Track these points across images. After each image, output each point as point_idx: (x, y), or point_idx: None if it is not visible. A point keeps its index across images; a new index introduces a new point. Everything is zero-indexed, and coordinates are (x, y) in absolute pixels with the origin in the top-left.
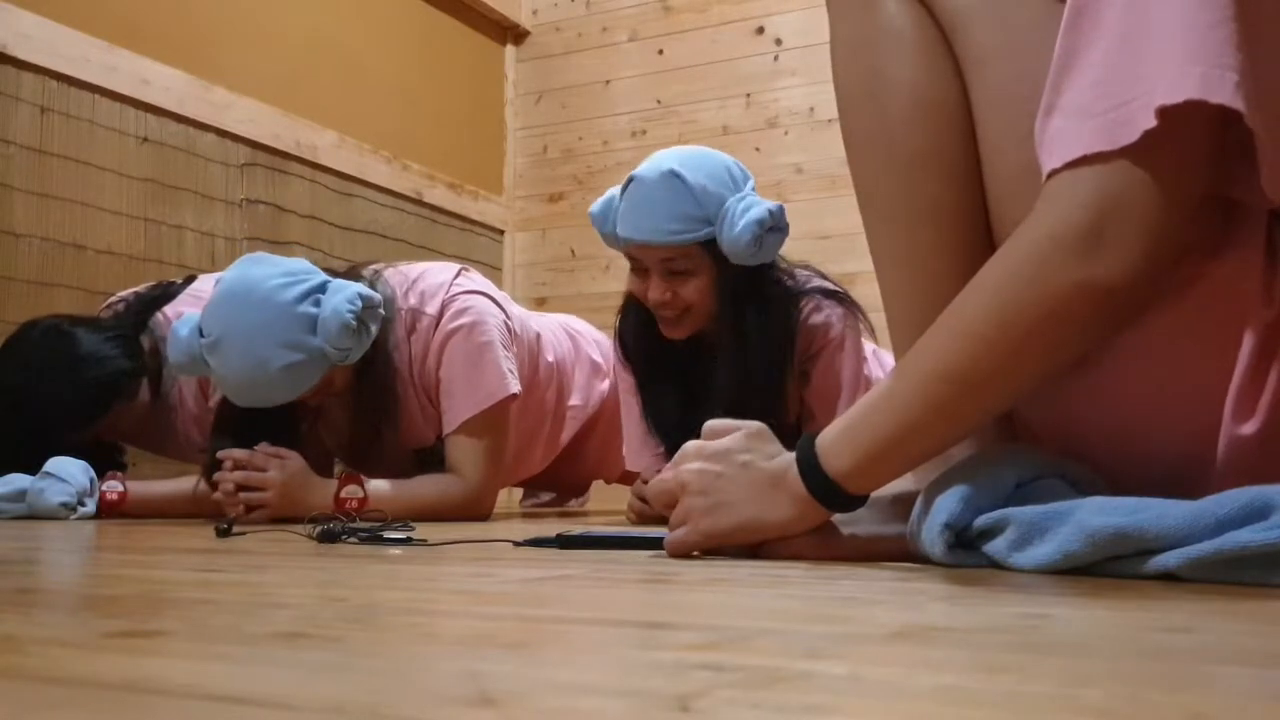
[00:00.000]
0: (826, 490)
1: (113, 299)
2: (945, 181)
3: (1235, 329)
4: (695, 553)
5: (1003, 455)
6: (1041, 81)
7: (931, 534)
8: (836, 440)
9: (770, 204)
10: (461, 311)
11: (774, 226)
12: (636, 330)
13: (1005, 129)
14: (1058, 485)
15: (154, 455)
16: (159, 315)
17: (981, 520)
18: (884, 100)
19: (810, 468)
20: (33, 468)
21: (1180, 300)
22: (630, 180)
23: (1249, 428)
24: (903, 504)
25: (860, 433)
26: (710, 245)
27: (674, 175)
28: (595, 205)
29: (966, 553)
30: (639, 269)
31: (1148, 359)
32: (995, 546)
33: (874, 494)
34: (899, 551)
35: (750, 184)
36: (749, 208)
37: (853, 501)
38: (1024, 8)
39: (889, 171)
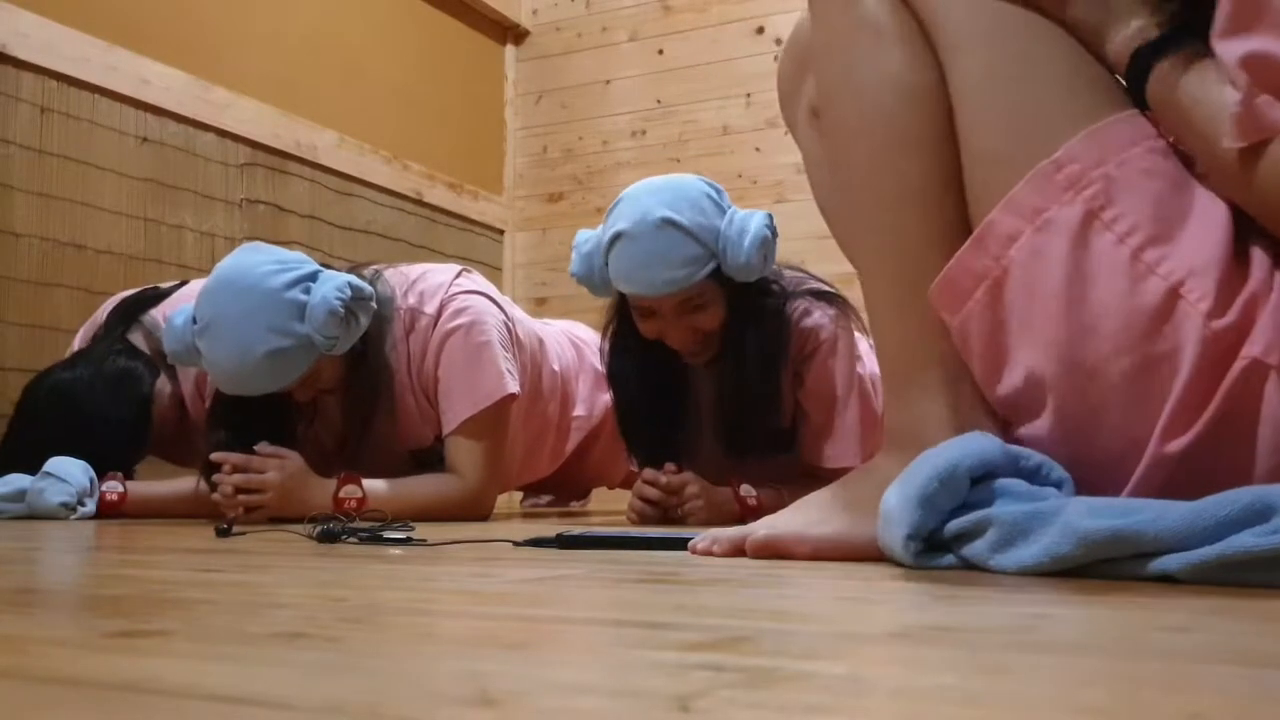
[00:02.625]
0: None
1: (99, 313)
2: (926, 163)
3: (1177, 341)
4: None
5: (955, 449)
6: (1013, 68)
7: (896, 545)
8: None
9: (758, 215)
10: (460, 311)
11: (770, 231)
12: (631, 364)
13: (984, 112)
14: (1022, 485)
15: (173, 464)
16: (159, 319)
17: (957, 523)
18: (864, 91)
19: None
20: (33, 468)
21: (1135, 301)
22: (618, 236)
23: (1176, 445)
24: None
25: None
26: (716, 273)
27: (667, 223)
28: (575, 265)
29: (938, 556)
30: (648, 313)
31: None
32: (975, 549)
33: (852, 493)
34: (872, 552)
35: (725, 197)
36: (744, 227)
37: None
38: None
39: (871, 158)
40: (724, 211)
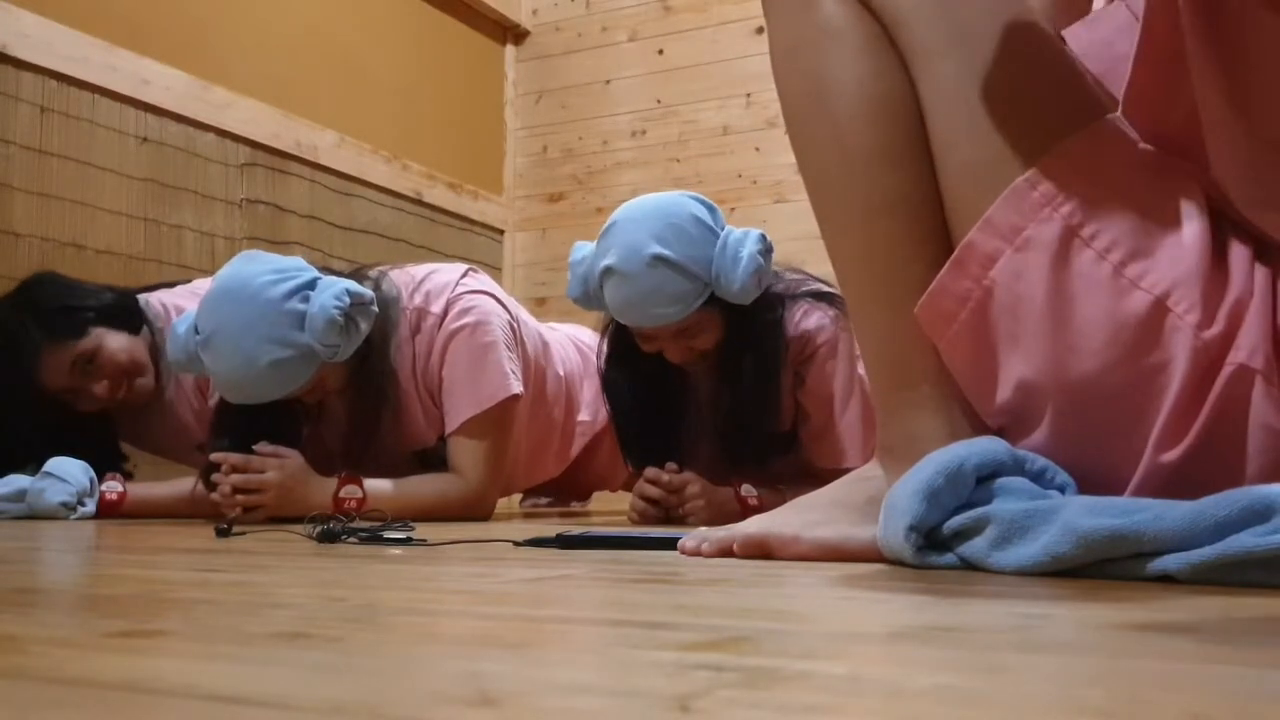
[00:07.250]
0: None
1: None
2: (900, 174)
3: (1168, 353)
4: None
5: (960, 448)
6: (992, 74)
7: (897, 537)
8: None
9: (750, 235)
10: (465, 311)
11: (764, 252)
12: (628, 370)
13: (956, 124)
14: (1025, 483)
15: (153, 456)
16: (158, 307)
17: (957, 520)
18: (831, 101)
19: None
20: (32, 468)
21: (1118, 316)
22: (609, 271)
23: (1171, 455)
24: (875, 505)
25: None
26: (711, 298)
27: (658, 260)
28: (572, 288)
29: (938, 554)
30: (646, 338)
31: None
32: (974, 547)
33: (846, 496)
34: (871, 554)
35: (719, 216)
36: (737, 253)
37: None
38: (969, 2)
39: (842, 169)
40: (716, 235)
